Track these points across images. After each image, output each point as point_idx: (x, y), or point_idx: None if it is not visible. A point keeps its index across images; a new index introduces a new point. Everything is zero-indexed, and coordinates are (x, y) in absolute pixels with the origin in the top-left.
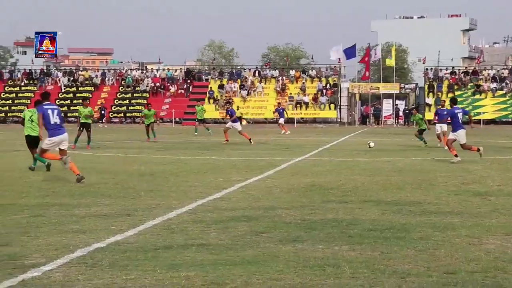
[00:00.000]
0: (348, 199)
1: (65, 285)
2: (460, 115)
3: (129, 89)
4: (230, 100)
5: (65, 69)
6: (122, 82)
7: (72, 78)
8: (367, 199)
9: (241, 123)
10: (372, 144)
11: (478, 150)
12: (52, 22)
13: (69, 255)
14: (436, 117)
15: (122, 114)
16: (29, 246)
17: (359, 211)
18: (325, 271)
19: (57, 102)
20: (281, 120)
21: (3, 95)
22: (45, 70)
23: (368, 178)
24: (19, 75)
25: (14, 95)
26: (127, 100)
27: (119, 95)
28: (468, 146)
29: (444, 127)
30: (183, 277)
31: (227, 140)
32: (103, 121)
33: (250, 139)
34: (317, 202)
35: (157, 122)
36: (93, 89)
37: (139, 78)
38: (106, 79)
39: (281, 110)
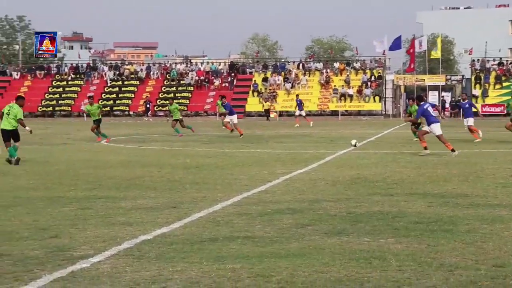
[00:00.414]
0: (393, 192)
1: (113, 276)
2: (430, 110)
3: (174, 82)
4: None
5: (111, 63)
6: (167, 75)
7: (117, 72)
8: (413, 192)
9: (269, 115)
10: (353, 142)
11: (453, 150)
12: (96, 16)
13: (116, 247)
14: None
15: (167, 108)
16: (78, 238)
17: (405, 203)
18: (371, 264)
19: (102, 96)
20: (302, 113)
21: (51, 89)
22: (91, 65)
23: (414, 171)
24: (66, 70)
25: (61, 89)
26: (172, 94)
27: (164, 88)
28: (444, 140)
29: (470, 120)
30: (229, 269)
31: (241, 134)
32: (148, 115)
33: (232, 130)
34: (363, 194)
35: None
36: (138, 83)
37: (184, 71)
38: (151, 73)
39: (298, 102)
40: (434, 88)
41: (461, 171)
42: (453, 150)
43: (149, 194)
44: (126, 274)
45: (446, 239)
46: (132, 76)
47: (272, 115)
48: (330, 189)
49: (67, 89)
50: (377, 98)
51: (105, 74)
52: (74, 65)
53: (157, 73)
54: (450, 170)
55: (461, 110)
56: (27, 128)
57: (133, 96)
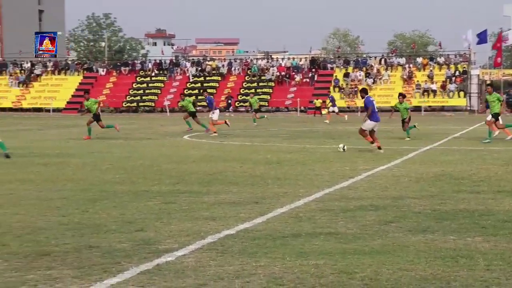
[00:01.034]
0: (480, 189)
1: (197, 270)
2: (375, 104)
3: (255, 78)
4: (208, 91)
5: (193, 59)
6: (248, 71)
7: (199, 68)
8: (501, 189)
9: (322, 112)
10: (341, 146)
11: (376, 145)
12: (179, 13)
13: (200, 241)
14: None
15: (248, 103)
16: (162, 231)
17: (493, 201)
18: (457, 263)
19: (185, 92)
20: (335, 109)
21: (135, 85)
22: (174, 61)
23: (502, 168)
24: (150, 66)
25: (145, 85)
26: (253, 89)
27: (245, 84)
28: (365, 135)
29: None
30: (312, 265)
31: (214, 131)
32: (230, 110)
33: (215, 131)
34: (448, 192)
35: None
36: (220, 79)
37: (265, 67)
38: (232, 68)
39: (331, 99)
40: None
41: None
42: (377, 146)
43: (231, 189)
44: (210, 268)
45: None
46: (214, 72)
47: (324, 111)
48: (413, 186)
49: (150, 85)
50: (461, 93)
51: (187, 70)
52: (158, 61)
53: (238, 69)
54: None
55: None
56: None
57: (215, 91)
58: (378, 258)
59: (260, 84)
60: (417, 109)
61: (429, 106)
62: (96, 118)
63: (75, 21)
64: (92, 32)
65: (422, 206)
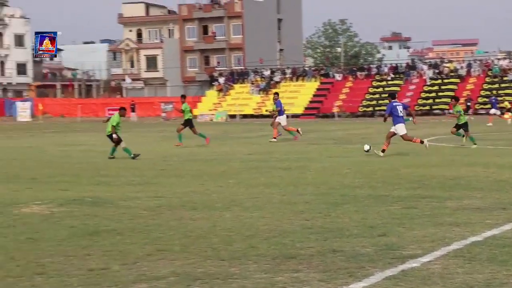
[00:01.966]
0: None
1: (444, 277)
2: (399, 109)
3: (496, 79)
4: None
5: (430, 61)
6: (489, 72)
7: (437, 71)
8: None
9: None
10: (366, 147)
11: (422, 142)
12: (416, 16)
13: (445, 248)
14: None
15: (488, 106)
16: (405, 237)
17: None
18: None
19: (421, 95)
20: (497, 111)
21: (371, 89)
22: (410, 64)
23: None
24: (385, 70)
25: (381, 89)
26: (494, 91)
27: (485, 86)
28: (409, 138)
29: None
30: None
31: (275, 138)
32: (470, 113)
33: (276, 137)
34: None
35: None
36: (458, 81)
37: (507, 67)
38: (472, 70)
39: (493, 101)
40: None
41: None
42: (421, 142)
43: (475, 194)
44: (458, 276)
45: None
46: (452, 74)
47: (507, 115)
48: None
49: (386, 89)
50: None
51: (424, 73)
52: (394, 65)
53: (478, 70)
54: None
55: None
56: (114, 136)
57: (453, 94)
58: None
59: (502, 85)
60: None
61: None
62: (188, 124)
63: (312, 28)
64: (328, 38)
65: None
